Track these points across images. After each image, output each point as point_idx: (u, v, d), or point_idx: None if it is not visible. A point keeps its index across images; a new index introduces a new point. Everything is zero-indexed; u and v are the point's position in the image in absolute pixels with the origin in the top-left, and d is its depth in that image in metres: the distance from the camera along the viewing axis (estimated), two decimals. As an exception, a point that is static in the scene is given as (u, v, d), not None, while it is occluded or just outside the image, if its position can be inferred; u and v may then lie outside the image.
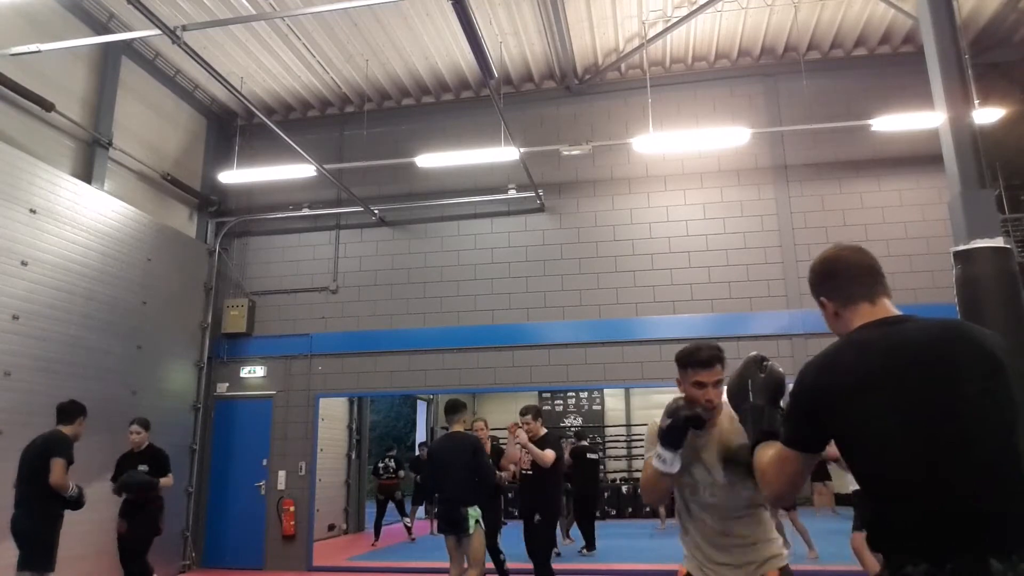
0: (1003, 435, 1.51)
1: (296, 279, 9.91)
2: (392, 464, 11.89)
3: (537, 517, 6.01)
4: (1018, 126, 8.21)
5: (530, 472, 6.17)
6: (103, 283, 7.83)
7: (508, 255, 9.38)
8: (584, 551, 9.84)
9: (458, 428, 5.83)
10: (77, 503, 5.15)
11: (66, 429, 5.26)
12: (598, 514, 11.67)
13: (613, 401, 18.46)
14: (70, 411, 5.35)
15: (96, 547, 6.94)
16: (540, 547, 5.99)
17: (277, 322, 9.82)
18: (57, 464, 4.97)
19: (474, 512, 5.51)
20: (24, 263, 6.82)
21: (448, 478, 5.62)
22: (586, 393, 18.02)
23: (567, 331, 8.94)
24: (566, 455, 10.39)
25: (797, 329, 8.40)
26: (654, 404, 18.29)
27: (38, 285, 6.97)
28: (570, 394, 17.98)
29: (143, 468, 5.95)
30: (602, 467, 15.15)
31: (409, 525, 11.89)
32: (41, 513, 4.98)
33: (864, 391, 1.59)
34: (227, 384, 9.80)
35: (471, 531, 5.46)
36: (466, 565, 5.65)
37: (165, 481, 6.07)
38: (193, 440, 9.34)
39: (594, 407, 18.18)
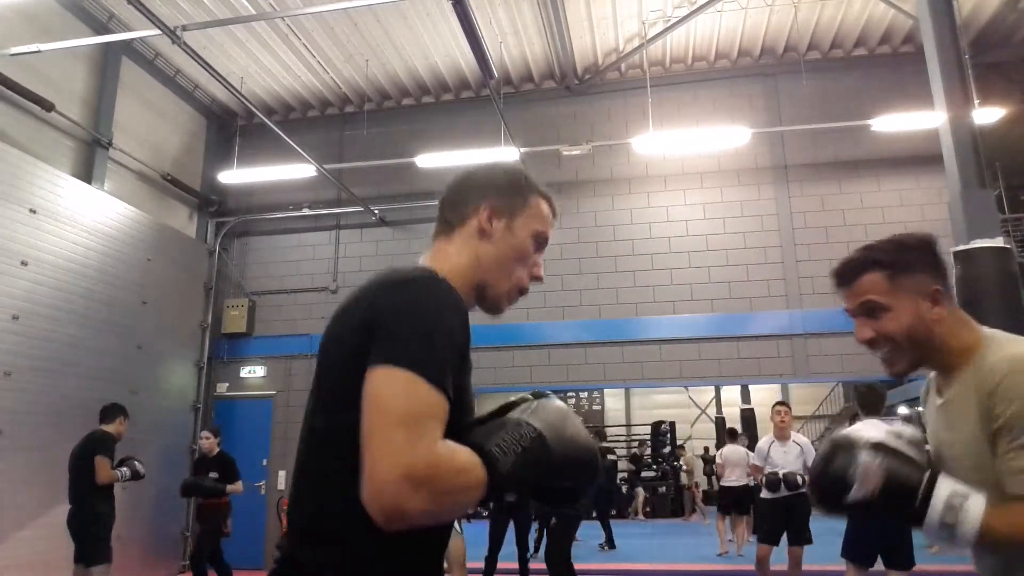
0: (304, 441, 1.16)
1: (296, 279, 9.90)
2: None
3: (553, 520, 5.99)
4: (1018, 126, 8.22)
5: None
6: (103, 283, 7.83)
7: (508, 255, 9.36)
8: (605, 547, 10.23)
9: None
10: (135, 478, 5.67)
11: (108, 428, 5.61)
12: (613, 513, 12.43)
13: (613, 401, 18.48)
14: (110, 411, 5.72)
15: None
16: (554, 550, 5.95)
17: (277, 322, 9.82)
18: (100, 462, 5.34)
19: None
20: (24, 263, 6.81)
21: None
22: (586, 393, 18.03)
23: (567, 331, 8.94)
24: None
25: (797, 329, 8.40)
26: (654, 404, 18.30)
27: (38, 285, 6.96)
28: (570, 394, 17.98)
29: (213, 475, 6.50)
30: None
31: None
32: (92, 510, 5.35)
33: None
34: (227, 384, 9.80)
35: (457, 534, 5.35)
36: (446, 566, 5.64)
37: (233, 488, 6.62)
38: (193, 440, 9.33)
39: (594, 407, 18.19)
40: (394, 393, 1.00)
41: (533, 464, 1.08)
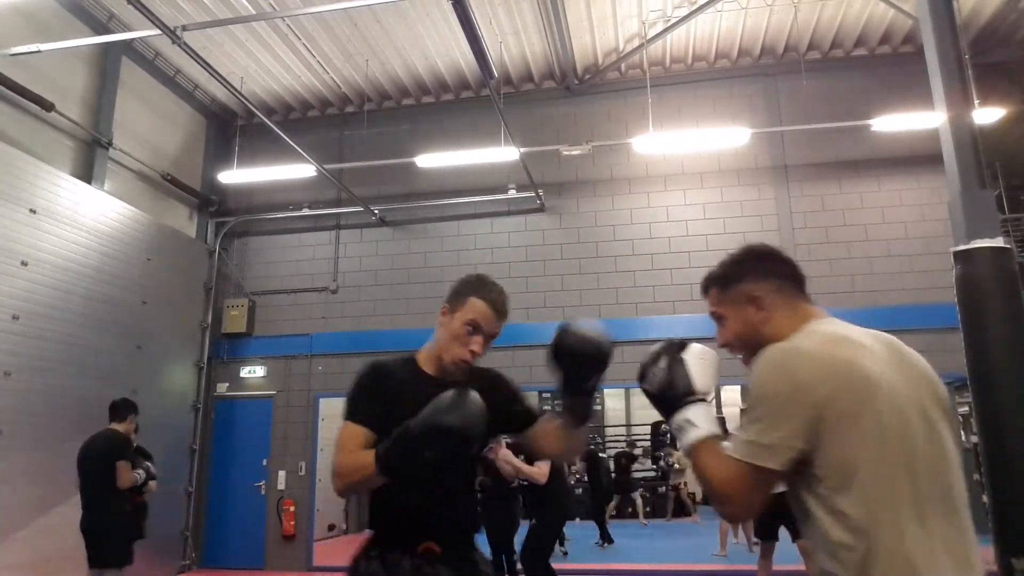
0: None
1: (296, 279, 9.90)
2: None
3: (532, 521, 5.97)
4: (1018, 126, 8.21)
5: (526, 482, 6.06)
6: (103, 283, 7.83)
7: (508, 255, 9.37)
8: (603, 545, 10.41)
9: None
10: (150, 479, 5.51)
11: (120, 427, 5.41)
12: (613, 513, 12.93)
13: (613, 401, 18.46)
14: (122, 408, 5.51)
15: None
16: (531, 551, 5.87)
17: (277, 322, 9.82)
18: (123, 468, 5.19)
19: None
20: (24, 263, 6.82)
21: None
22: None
23: (567, 331, 8.92)
24: (576, 461, 12.17)
25: (797, 329, 8.38)
26: (654, 404, 18.27)
27: (38, 285, 6.97)
28: (570, 394, 17.95)
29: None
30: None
31: None
32: (112, 513, 5.19)
33: None
34: (227, 384, 9.80)
35: None
36: None
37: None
38: (193, 440, 9.34)
39: (594, 407, 18.17)
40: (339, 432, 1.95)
41: (401, 451, 1.70)
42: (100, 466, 5.18)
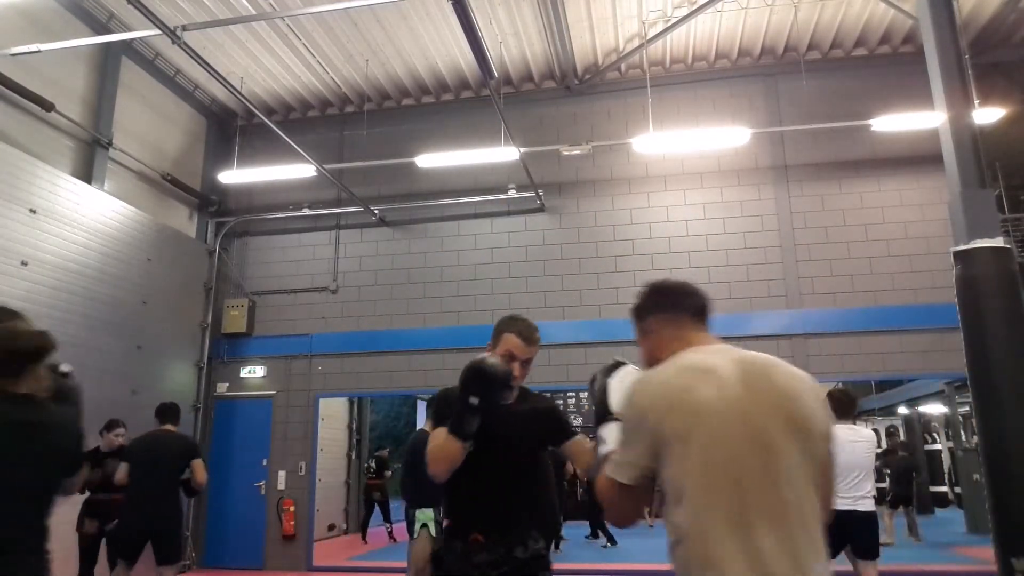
0: None
1: (296, 279, 9.90)
2: (373, 464, 11.98)
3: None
4: (1018, 126, 8.21)
5: None
6: (103, 283, 7.83)
7: (508, 255, 9.37)
8: (606, 544, 10.44)
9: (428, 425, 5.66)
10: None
11: (174, 428, 5.46)
12: None
13: (613, 401, 18.50)
14: (174, 412, 5.56)
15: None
16: None
17: (277, 322, 9.82)
18: (199, 465, 5.20)
19: (423, 515, 5.21)
20: (24, 263, 6.81)
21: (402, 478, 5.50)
22: (586, 393, 18.01)
23: (567, 331, 8.93)
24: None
25: (797, 329, 8.40)
26: (654, 404, 18.32)
27: (38, 285, 6.96)
28: (570, 394, 17.96)
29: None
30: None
31: (390, 530, 11.68)
32: (177, 510, 5.24)
33: None
34: (227, 384, 9.80)
35: (415, 535, 5.19)
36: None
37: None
38: (193, 440, 9.33)
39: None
40: None
41: (458, 407, 2.27)
42: (179, 464, 5.16)
